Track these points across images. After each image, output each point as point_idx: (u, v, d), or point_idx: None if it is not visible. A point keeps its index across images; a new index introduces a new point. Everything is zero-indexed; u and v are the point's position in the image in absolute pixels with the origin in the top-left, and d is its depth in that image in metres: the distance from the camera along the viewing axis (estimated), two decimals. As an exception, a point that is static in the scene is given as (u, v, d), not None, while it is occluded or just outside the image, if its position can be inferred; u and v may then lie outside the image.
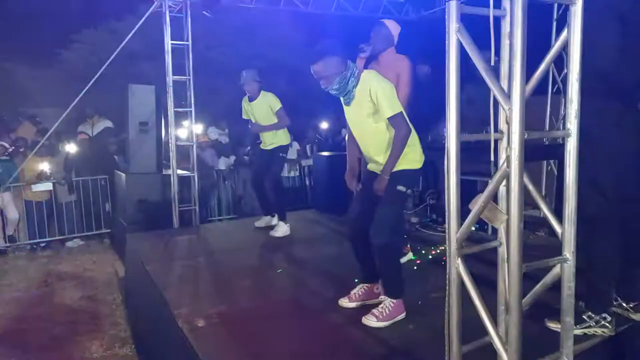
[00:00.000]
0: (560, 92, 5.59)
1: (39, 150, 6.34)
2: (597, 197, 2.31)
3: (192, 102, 5.59)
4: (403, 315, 2.65)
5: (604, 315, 2.34)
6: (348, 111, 2.75)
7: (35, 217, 6.73)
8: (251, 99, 4.78)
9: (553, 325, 2.34)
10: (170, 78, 5.36)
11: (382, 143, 2.66)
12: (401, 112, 2.56)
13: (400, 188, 2.59)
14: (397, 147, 2.57)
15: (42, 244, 6.86)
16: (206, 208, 7.31)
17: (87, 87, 5.34)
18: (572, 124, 1.60)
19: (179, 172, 5.59)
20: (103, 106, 7.74)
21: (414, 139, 2.66)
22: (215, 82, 8.91)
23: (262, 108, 4.72)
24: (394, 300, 2.63)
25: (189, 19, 5.43)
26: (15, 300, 5.00)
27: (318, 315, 2.79)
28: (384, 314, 2.59)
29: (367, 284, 2.87)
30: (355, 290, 2.88)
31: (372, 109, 2.58)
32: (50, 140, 6.83)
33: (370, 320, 2.58)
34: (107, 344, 4.02)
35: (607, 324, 2.34)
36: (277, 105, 4.69)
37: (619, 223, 2.37)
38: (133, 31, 5.19)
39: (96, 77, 5.32)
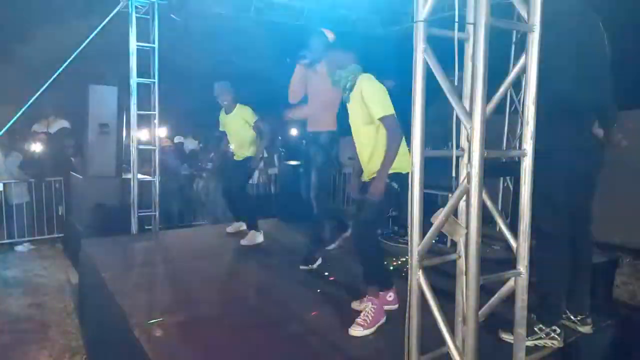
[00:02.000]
0: (518, 111, 5.86)
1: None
2: (551, 214, 2.43)
3: (157, 105, 5.49)
4: (384, 319, 2.69)
5: (553, 327, 2.45)
6: (349, 108, 2.88)
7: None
8: (227, 112, 4.81)
9: (506, 337, 2.43)
10: (134, 80, 5.24)
11: (374, 147, 2.74)
12: (393, 114, 2.64)
13: (394, 184, 2.67)
14: (391, 150, 2.62)
15: (-12, 248, 6.52)
16: (167, 214, 7.16)
17: (45, 85, 5.15)
18: (528, 144, 1.69)
19: (140, 176, 5.46)
20: (60, 106, 7.47)
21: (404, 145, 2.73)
22: (179, 86, 8.79)
23: (237, 121, 4.74)
24: (375, 306, 2.68)
25: (157, 21, 5.35)
26: (-43, 306, 4.74)
27: (278, 324, 2.78)
28: (367, 321, 2.62)
29: (375, 300, 2.82)
30: (365, 315, 2.72)
31: (364, 111, 2.69)
32: (3, 139, 6.52)
33: (357, 330, 2.59)
34: (57, 354, 3.85)
35: (557, 336, 2.45)
36: (253, 117, 4.70)
37: (569, 240, 2.50)
38: (97, 30, 5.07)
39: (55, 75, 5.14)
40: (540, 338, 2.45)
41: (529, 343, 2.40)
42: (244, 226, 4.92)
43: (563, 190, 2.42)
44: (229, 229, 5.04)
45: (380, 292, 2.77)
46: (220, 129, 5.05)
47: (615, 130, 2.44)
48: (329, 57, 2.87)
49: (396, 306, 2.83)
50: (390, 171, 2.65)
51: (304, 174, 4.02)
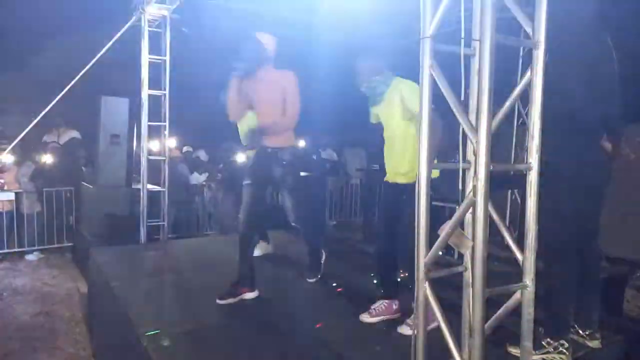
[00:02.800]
0: (525, 124, 5.86)
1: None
2: (560, 228, 2.44)
3: (167, 117, 5.56)
4: (394, 316, 2.94)
5: (561, 342, 2.44)
6: (378, 110, 2.97)
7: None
8: None
9: (513, 350, 2.42)
10: (145, 92, 5.33)
11: (406, 144, 2.83)
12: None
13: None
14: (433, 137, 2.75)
15: (0, 256, 6.59)
16: (175, 224, 7.21)
17: (59, 97, 5.25)
18: (534, 158, 1.71)
19: (149, 186, 5.52)
20: (71, 116, 7.58)
21: None
22: (189, 98, 8.89)
23: None
24: (387, 301, 2.96)
25: (168, 34, 5.45)
26: (-33, 314, 4.80)
27: (285, 335, 2.79)
28: (377, 310, 2.94)
29: (387, 300, 3.00)
30: (375, 306, 3.00)
31: (402, 108, 2.80)
32: (15, 149, 6.63)
33: (363, 317, 2.94)
34: (65, 362, 3.89)
35: (565, 350, 2.43)
36: None
37: (578, 254, 2.50)
38: (110, 43, 5.17)
39: (69, 87, 5.24)
40: (548, 352, 2.44)
41: (537, 357, 2.40)
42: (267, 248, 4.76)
43: (572, 203, 2.43)
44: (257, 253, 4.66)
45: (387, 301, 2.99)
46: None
47: (623, 144, 2.45)
48: (361, 68, 2.92)
49: (398, 315, 2.99)
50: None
51: (254, 193, 3.42)
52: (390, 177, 2.97)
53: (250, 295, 3.36)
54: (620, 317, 3.53)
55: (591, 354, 2.57)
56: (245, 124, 3.89)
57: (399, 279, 3.79)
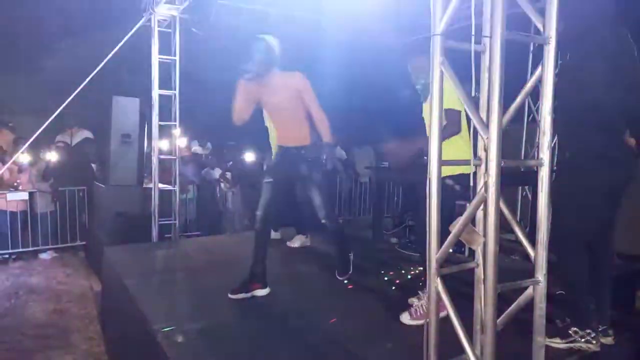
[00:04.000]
0: (536, 120, 5.83)
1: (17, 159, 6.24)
2: (576, 222, 2.44)
3: (177, 116, 5.61)
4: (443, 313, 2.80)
5: (588, 330, 2.45)
6: (426, 107, 2.91)
7: (8, 227, 6.57)
8: None
9: (547, 341, 2.43)
10: (156, 92, 5.38)
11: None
12: (460, 111, 2.71)
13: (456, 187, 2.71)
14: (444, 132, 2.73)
15: (14, 256, 6.68)
16: (186, 222, 7.27)
17: (70, 97, 5.32)
18: (545, 154, 1.71)
19: (160, 185, 5.58)
20: (83, 117, 7.67)
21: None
22: (199, 98, 8.94)
23: None
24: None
25: (178, 35, 5.49)
26: (-17, 312, 4.87)
27: (297, 334, 2.81)
28: (419, 312, 2.81)
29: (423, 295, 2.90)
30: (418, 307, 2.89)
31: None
32: (29, 150, 6.72)
33: (403, 317, 2.85)
34: (80, 359, 3.93)
35: (592, 339, 2.44)
36: None
37: (590, 248, 2.50)
38: (120, 44, 5.22)
39: (80, 87, 5.30)
40: (575, 341, 2.45)
41: (563, 346, 2.43)
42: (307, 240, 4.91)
43: (590, 198, 2.44)
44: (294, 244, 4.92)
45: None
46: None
47: None
48: (416, 64, 2.88)
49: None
50: (454, 173, 2.68)
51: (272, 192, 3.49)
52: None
53: (261, 292, 3.37)
54: (632, 315, 3.50)
55: (612, 347, 2.56)
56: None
57: (408, 277, 3.80)
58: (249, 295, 3.30)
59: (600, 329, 2.59)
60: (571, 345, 2.45)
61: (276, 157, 3.64)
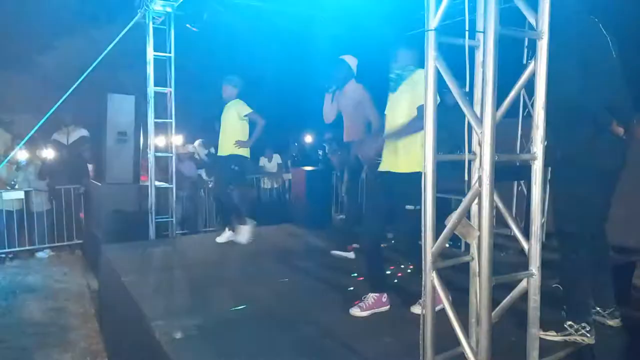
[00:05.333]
0: (531, 115, 5.83)
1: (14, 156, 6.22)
2: (575, 214, 2.48)
3: (173, 113, 5.60)
4: (386, 308, 3.00)
5: (583, 324, 2.48)
6: (390, 97, 3.05)
7: (5, 226, 6.55)
8: (225, 102, 4.96)
9: (542, 334, 2.47)
10: (151, 89, 5.37)
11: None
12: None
13: (409, 207, 2.82)
14: (414, 124, 2.78)
15: (10, 255, 6.67)
16: (183, 220, 7.27)
17: (65, 96, 5.29)
18: (538, 148, 1.73)
19: (157, 183, 5.57)
20: (78, 114, 7.64)
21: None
22: (192, 94, 8.93)
23: (231, 113, 4.86)
24: (376, 294, 3.00)
25: (172, 31, 5.47)
26: (-19, 311, 4.87)
27: (294, 326, 2.83)
28: (368, 304, 2.96)
29: (376, 294, 3.02)
30: (365, 300, 3.02)
31: (413, 100, 2.86)
32: (26, 148, 6.71)
33: (355, 311, 2.95)
34: (79, 356, 3.95)
35: (587, 333, 2.48)
36: (245, 110, 4.82)
37: (590, 237, 2.54)
38: (115, 41, 5.19)
39: (75, 85, 5.27)
40: (571, 334, 2.49)
41: (559, 339, 2.48)
42: (233, 236, 4.94)
43: (585, 190, 2.47)
44: (219, 239, 4.96)
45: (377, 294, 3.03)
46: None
47: (636, 125, 2.47)
48: (401, 55, 3.00)
49: (388, 307, 3.04)
50: (416, 169, 2.77)
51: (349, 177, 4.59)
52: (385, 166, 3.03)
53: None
54: (627, 306, 3.54)
55: (612, 333, 2.60)
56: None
57: (388, 272, 3.83)
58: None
59: (607, 312, 2.63)
60: (566, 338, 2.49)
61: (343, 150, 4.63)
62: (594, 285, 2.61)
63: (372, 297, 2.99)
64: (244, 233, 4.82)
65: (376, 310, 2.96)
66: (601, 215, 2.63)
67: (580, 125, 2.42)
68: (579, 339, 2.48)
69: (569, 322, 2.51)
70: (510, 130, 5.98)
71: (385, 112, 3.09)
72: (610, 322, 2.65)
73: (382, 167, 3.03)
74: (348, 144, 4.35)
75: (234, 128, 4.82)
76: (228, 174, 4.87)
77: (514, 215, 5.44)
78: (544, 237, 5.26)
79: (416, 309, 2.91)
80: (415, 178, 2.67)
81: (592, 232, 2.56)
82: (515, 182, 5.98)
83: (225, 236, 4.96)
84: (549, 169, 5.01)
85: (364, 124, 4.12)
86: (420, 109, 2.76)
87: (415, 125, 2.77)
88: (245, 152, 4.89)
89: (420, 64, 2.83)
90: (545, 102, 1.70)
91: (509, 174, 5.07)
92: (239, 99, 4.90)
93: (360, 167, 4.36)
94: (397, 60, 2.96)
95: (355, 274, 3.73)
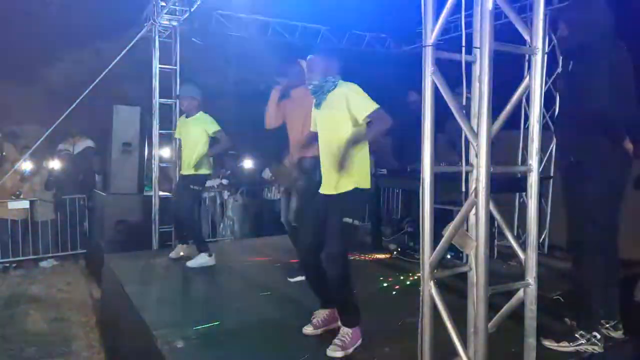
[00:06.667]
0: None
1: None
2: (590, 226, 2.54)
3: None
4: (360, 341, 2.65)
5: (594, 333, 2.52)
6: (318, 115, 2.79)
7: (10, 235, 6.60)
8: (187, 116, 4.60)
9: (547, 343, 2.53)
10: (156, 101, 5.45)
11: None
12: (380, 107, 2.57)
13: (347, 220, 2.55)
14: (379, 129, 2.57)
15: (14, 264, 6.71)
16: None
17: (72, 106, 5.38)
18: (534, 161, 1.77)
19: (160, 193, 5.62)
20: (84, 125, 7.73)
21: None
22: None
23: (196, 129, 4.49)
24: (351, 329, 2.64)
25: (178, 44, 5.57)
26: (-15, 320, 4.89)
27: (297, 336, 2.84)
28: (346, 342, 2.59)
29: (327, 310, 2.88)
30: (317, 318, 2.88)
31: (344, 115, 2.61)
32: (32, 158, 6.78)
33: (336, 352, 2.56)
34: (81, 366, 3.96)
35: (597, 342, 2.52)
36: (213, 127, 4.47)
37: (603, 248, 2.59)
38: (122, 54, 5.28)
39: (81, 97, 5.36)
40: (582, 344, 2.52)
41: (571, 349, 2.51)
42: (185, 251, 4.73)
43: (599, 202, 2.53)
44: (172, 255, 4.74)
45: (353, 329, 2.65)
46: (176, 135, 4.94)
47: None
48: (313, 63, 2.76)
49: (360, 342, 2.68)
50: (352, 186, 2.59)
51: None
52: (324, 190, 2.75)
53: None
54: (631, 320, 3.54)
55: (617, 344, 2.62)
56: None
57: (407, 283, 3.82)
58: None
59: (611, 324, 2.66)
60: (577, 348, 2.53)
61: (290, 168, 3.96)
62: (602, 297, 2.64)
63: (347, 331, 2.63)
64: (200, 259, 4.47)
65: (356, 345, 2.63)
66: (613, 227, 2.67)
67: (601, 137, 2.51)
68: (590, 348, 2.52)
69: (581, 332, 2.55)
70: (513, 142, 6.02)
71: (317, 130, 2.83)
72: (614, 334, 2.68)
73: (324, 191, 2.74)
74: (297, 161, 3.63)
75: (200, 145, 4.46)
76: (190, 194, 4.54)
77: (516, 226, 5.47)
78: (545, 248, 5.30)
79: (335, 352, 2.57)
80: (351, 194, 2.58)
81: (604, 243, 2.61)
82: (517, 194, 5.99)
83: (177, 252, 4.77)
84: (550, 181, 5.03)
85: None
86: (377, 112, 2.54)
87: (374, 135, 2.61)
88: (207, 170, 4.62)
89: (337, 72, 2.68)
90: (540, 115, 1.74)
91: (510, 185, 5.10)
92: (203, 112, 4.54)
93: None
94: (312, 70, 2.73)
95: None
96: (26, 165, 6.72)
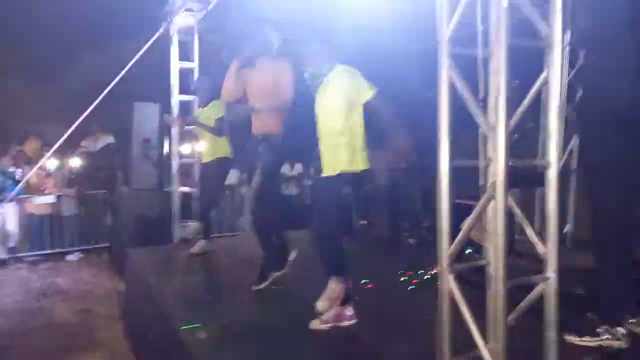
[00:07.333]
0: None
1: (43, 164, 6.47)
2: (613, 222, 2.50)
3: (196, 121, 5.74)
4: (346, 323, 2.79)
5: (618, 328, 2.47)
6: (317, 100, 2.87)
7: (37, 229, 6.81)
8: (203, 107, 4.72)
9: (570, 338, 2.49)
10: (176, 97, 5.53)
11: (333, 140, 2.75)
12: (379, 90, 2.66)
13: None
14: (388, 115, 2.68)
15: (43, 257, 6.92)
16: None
17: (94, 104, 5.50)
18: (552, 155, 1.76)
19: (180, 188, 5.72)
20: (106, 122, 7.89)
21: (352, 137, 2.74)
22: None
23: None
24: (336, 284, 2.79)
25: (196, 42, 5.63)
26: (14, 311, 5.05)
27: (319, 331, 2.83)
28: (331, 297, 2.77)
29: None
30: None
31: (340, 99, 2.70)
32: (55, 155, 6.96)
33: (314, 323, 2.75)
34: (106, 357, 4.06)
35: (621, 337, 2.46)
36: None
37: (626, 243, 2.55)
38: (141, 51, 5.37)
39: (104, 94, 5.47)
40: (605, 339, 2.47)
41: (593, 344, 2.45)
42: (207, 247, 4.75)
43: (623, 199, 2.49)
44: (195, 250, 4.71)
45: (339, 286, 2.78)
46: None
47: None
48: (307, 54, 2.83)
49: (354, 321, 2.81)
50: (343, 169, 2.70)
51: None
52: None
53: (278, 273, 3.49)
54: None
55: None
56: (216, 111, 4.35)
57: (425, 277, 3.81)
58: (268, 282, 3.48)
59: (636, 320, 2.61)
60: (601, 343, 2.48)
61: (252, 145, 3.70)
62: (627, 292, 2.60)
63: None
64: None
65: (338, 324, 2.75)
66: (630, 225, 2.62)
67: (622, 135, 2.45)
68: (613, 343, 2.47)
69: (604, 327, 2.49)
70: (532, 135, 5.93)
71: (316, 112, 2.88)
72: (638, 330, 2.62)
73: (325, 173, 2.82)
74: (263, 136, 3.41)
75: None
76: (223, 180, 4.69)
77: (538, 220, 5.39)
78: (569, 243, 5.23)
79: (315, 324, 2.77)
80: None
81: (629, 237, 2.56)
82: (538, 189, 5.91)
83: (199, 247, 4.77)
84: (573, 175, 4.93)
85: (284, 114, 3.39)
86: (377, 97, 2.65)
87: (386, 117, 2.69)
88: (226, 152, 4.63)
89: (333, 59, 2.77)
90: (558, 109, 1.73)
91: (531, 180, 5.04)
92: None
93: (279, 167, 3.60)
94: (308, 57, 2.82)
95: (366, 280, 3.72)
96: (50, 163, 6.90)
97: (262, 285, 3.50)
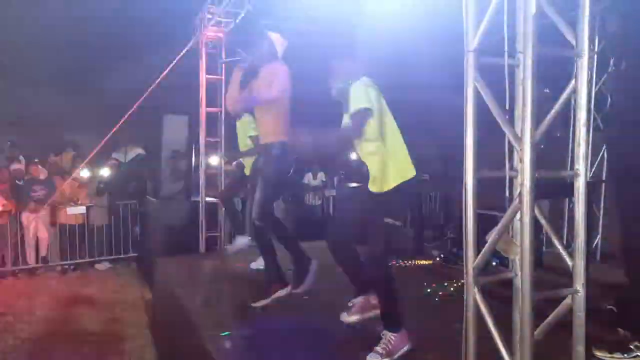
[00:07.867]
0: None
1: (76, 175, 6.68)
2: None
3: (222, 133, 5.85)
4: (407, 346, 2.56)
5: None
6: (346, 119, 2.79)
7: (67, 239, 7.01)
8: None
9: (599, 353, 2.42)
10: (203, 110, 5.64)
11: (380, 156, 2.60)
12: (360, 109, 2.48)
13: (388, 220, 2.56)
14: (347, 134, 2.61)
15: (72, 266, 7.10)
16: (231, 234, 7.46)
17: (125, 116, 5.65)
18: (581, 165, 1.73)
19: (207, 198, 5.81)
20: (135, 134, 8.10)
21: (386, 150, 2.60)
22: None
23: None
24: (395, 334, 2.55)
25: (224, 55, 5.75)
26: (44, 319, 5.17)
27: (340, 340, 2.84)
28: (388, 348, 2.51)
29: (362, 297, 2.89)
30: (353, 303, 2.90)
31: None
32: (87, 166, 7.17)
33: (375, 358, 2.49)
34: (134, 365, 4.14)
35: None
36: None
37: None
38: (171, 65, 5.51)
39: (135, 106, 5.63)
40: (637, 356, 2.41)
41: None
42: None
43: None
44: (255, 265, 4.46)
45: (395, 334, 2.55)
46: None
47: None
48: (336, 69, 2.75)
49: (407, 347, 2.58)
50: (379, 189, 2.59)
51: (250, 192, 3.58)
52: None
53: (282, 292, 3.32)
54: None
55: None
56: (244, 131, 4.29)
57: (452, 289, 3.75)
58: (270, 299, 3.30)
59: None
60: (632, 359, 2.41)
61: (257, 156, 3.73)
62: None
63: (390, 337, 2.55)
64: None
65: (401, 352, 2.54)
66: None
67: None
68: None
69: (635, 343, 2.42)
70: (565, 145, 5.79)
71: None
72: None
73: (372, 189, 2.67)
74: (265, 147, 3.29)
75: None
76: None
77: (565, 233, 5.26)
78: (598, 256, 5.07)
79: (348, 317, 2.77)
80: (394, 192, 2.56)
81: None
82: (568, 199, 5.78)
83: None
84: (602, 186, 4.80)
85: (286, 122, 3.23)
86: (353, 115, 2.53)
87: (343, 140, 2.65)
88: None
89: (361, 73, 2.63)
90: (587, 118, 1.70)
91: (560, 191, 4.93)
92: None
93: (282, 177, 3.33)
94: (335, 74, 2.72)
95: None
96: (83, 173, 7.11)
97: (263, 303, 3.31)
